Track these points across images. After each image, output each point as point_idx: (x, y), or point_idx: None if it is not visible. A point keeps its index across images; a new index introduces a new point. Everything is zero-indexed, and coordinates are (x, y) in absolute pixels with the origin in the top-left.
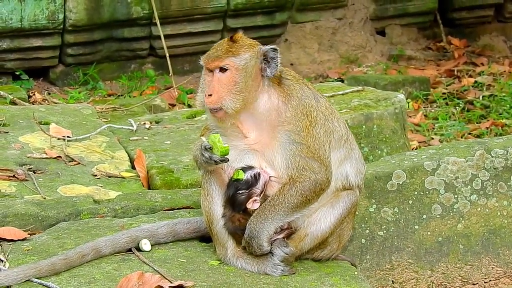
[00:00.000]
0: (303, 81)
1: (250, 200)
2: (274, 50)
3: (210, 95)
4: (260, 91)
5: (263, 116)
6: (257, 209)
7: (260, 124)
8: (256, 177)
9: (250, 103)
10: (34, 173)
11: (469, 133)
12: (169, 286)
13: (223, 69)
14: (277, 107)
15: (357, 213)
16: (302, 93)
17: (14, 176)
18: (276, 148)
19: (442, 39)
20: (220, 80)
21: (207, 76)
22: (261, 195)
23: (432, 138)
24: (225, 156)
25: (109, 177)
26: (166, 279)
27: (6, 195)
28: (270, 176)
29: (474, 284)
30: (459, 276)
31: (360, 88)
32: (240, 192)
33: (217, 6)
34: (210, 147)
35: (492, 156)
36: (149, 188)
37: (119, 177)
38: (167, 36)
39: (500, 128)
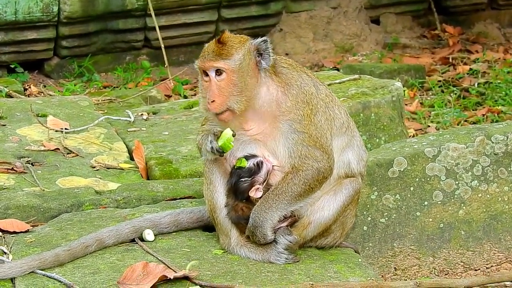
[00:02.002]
0: (301, 69)
1: (253, 188)
2: (265, 41)
3: (213, 101)
4: (259, 84)
5: (264, 108)
6: (260, 197)
7: (261, 115)
8: (259, 165)
9: (253, 99)
10: (33, 165)
11: (466, 120)
12: (174, 276)
13: (219, 72)
14: (277, 98)
15: (359, 200)
16: (301, 81)
17: (12, 169)
18: (278, 137)
19: (437, 27)
20: (219, 84)
21: (205, 82)
22: (264, 183)
23: (429, 126)
24: (223, 151)
25: (108, 168)
26: (171, 268)
27: (5, 188)
28: (272, 165)
29: (476, 270)
30: (461, 262)
31: (357, 76)
32: (243, 180)
33: None
34: (216, 134)
35: (493, 142)
36: (148, 179)
37: (118, 169)
38: (162, 27)
39: (496, 115)
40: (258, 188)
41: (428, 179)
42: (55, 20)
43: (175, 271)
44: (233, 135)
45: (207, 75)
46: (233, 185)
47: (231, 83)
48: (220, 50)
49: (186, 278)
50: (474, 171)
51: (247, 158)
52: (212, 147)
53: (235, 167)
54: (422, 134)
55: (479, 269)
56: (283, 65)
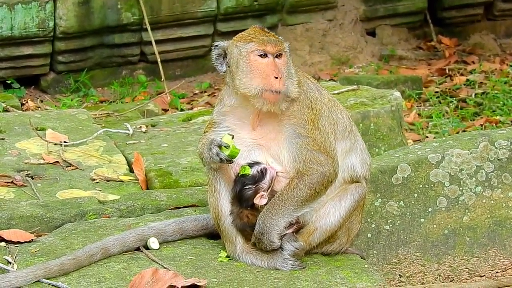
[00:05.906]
0: (304, 74)
1: (257, 195)
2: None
3: (276, 77)
4: None
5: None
6: (264, 204)
7: (267, 118)
8: (263, 172)
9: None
10: (32, 178)
11: (464, 131)
12: (182, 286)
13: (279, 55)
14: None
15: (364, 206)
16: (306, 86)
17: (12, 182)
18: (281, 142)
19: (433, 39)
20: (279, 65)
21: (261, 62)
22: (269, 190)
23: (427, 137)
24: (232, 158)
25: (108, 181)
26: (180, 275)
27: (5, 201)
28: (276, 171)
29: (481, 276)
30: (466, 268)
31: (355, 87)
32: (247, 187)
33: (207, 10)
34: (221, 144)
35: (496, 148)
36: None
37: (118, 181)
38: (158, 42)
39: (494, 125)
40: (262, 195)
41: (432, 185)
42: (51, 35)
43: (184, 278)
44: (232, 137)
45: (265, 56)
46: (237, 193)
47: (288, 64)
48: (274, 35)
49: (194, 286)
50: (478, 177)
51: (250, 165)
52: (221, 159)
53: (239, 174)
54: None
55: (484, 275)
56: None
